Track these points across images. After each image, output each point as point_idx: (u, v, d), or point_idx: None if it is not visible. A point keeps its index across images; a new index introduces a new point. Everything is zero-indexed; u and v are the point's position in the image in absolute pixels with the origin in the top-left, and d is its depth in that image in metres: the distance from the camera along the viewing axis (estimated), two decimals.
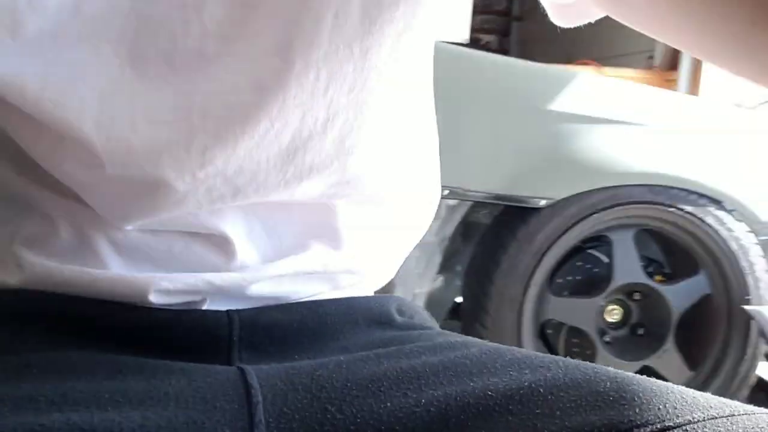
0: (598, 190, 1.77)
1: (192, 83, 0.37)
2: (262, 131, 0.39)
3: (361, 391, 0.37)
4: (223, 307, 0.42)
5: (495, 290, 1.78)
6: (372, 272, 0.49)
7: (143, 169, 0.39)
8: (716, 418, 0.31)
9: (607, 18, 0.42)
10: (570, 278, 1.89)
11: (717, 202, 1.85)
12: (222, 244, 0.43)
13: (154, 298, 0.41)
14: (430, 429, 0.35)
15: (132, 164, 0.38)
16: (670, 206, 1.81)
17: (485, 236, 1.87)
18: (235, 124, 0.38)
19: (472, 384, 0.37)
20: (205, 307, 0.42)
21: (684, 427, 0.30)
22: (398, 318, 0.47)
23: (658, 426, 0.31)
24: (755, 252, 1.89)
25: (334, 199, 0.45)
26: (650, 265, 1.93)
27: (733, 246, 1.86)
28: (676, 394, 0.34)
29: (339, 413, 0.36)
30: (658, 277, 1.91)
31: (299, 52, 0.38)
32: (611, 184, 1.78)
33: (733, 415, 0.30)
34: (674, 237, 1.87)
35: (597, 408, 0.33)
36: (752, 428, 0.29)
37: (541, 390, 0.35)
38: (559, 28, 0.47)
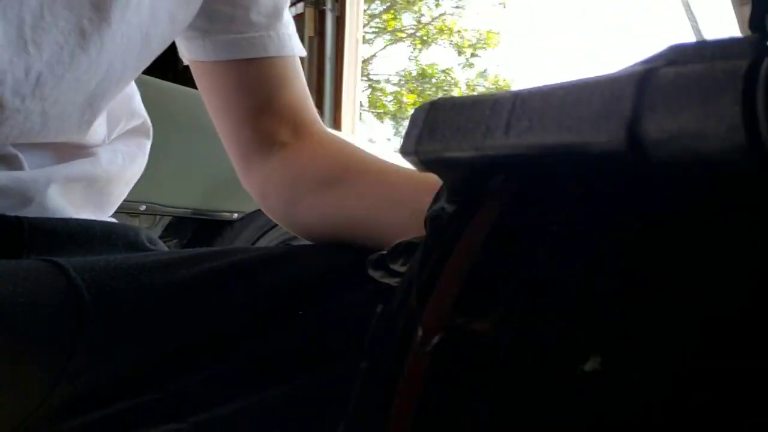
0: None
1: (12, 9, 0.41)
2: (85, 67, 0.45)
3: (155, 266, 0.42)
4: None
5: None
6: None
7: None
8: None
9: None
10: None
11: None
12: (7, 160, 0.48)
13: None
14: (223, 279, 0.42)
15: None
16: None
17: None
18: (65, 57, 0.44)
19: (238, 255, 0.44)
20: None
21: None
22: (148, 245, 0.53)
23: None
24: None
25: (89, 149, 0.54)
26: None
27: None
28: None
29: (145, 278, 0.40)
30: None
31: (116, 13, 0.45)
32: None
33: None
34: None
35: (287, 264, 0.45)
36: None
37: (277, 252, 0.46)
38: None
